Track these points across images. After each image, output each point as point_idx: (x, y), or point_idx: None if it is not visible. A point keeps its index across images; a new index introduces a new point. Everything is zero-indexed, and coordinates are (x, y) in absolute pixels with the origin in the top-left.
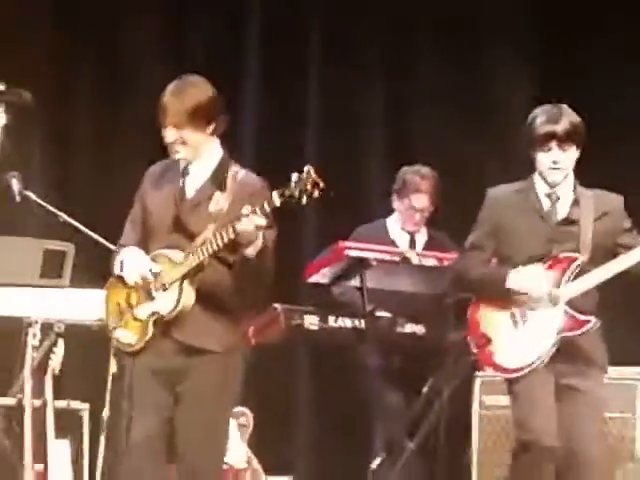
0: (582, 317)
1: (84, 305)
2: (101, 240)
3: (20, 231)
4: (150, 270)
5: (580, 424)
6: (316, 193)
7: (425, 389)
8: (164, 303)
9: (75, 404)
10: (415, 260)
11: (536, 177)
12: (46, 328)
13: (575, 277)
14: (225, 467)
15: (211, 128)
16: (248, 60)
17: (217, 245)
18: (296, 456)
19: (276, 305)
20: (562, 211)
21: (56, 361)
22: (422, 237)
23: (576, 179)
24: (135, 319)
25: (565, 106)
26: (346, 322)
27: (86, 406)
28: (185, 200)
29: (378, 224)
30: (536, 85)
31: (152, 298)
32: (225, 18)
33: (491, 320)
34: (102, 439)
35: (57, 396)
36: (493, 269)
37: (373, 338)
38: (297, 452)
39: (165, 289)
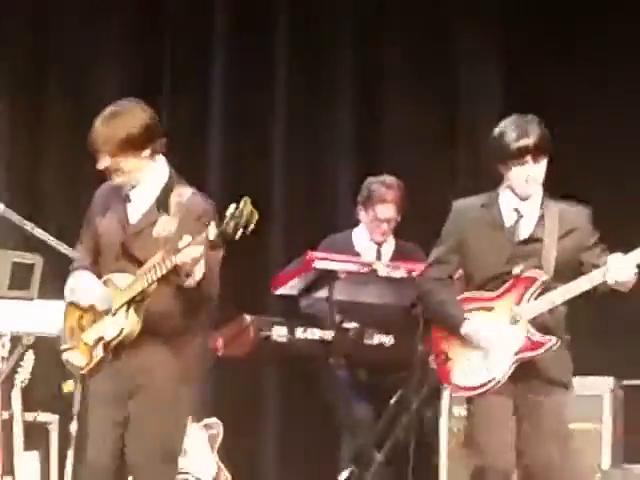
0: (541, 337)
1: (53, 317)
2: (70, 252)
3: None
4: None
5: (544, 440)
6: (251, 225)
7: (393, 400)
8: (109, 328)
9: (44, 416)
10: (383, 271)
11: (502, 190)
12: (15, 340)
13: (538, 296)
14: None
15: (147, 152)
16: (214, 69)
17: (160, 274)
18: (265, 466)
19: (246, 316)
20: (526, 229)
21: (24, 373)
22: (389, 248)
23: (545, 191)
24: (84, 342)
25: (531, 116)
26: (314, 333)
27: (55, 418)
28: (129, 226)
29: (344, 235)
30: (505, 94)
31: (100, 322)
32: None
33: (452, 337)
34: (70, 451)
35: (26, 408)
36: (452, 310)
37: (341, 349)
38: (266, 463)
39: (113, 314)
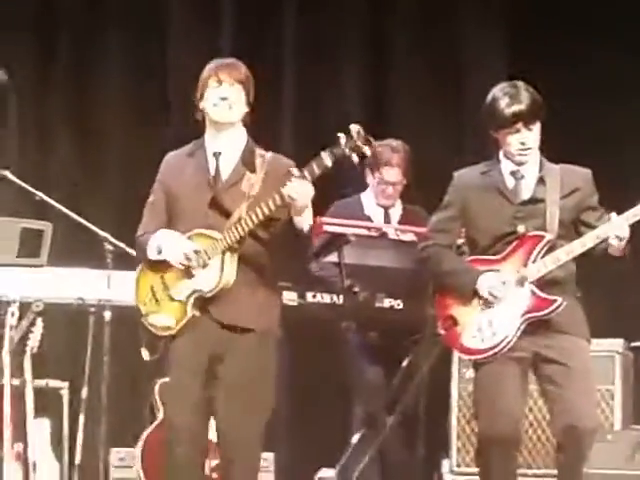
0: (548, 297)
1: (62, 284)
2: (79, 219)
3: None
4: (193, 249)
5: (573, 397)
6: (367, 151)
7: (404, 363)
8: (205, 281)
9: (54, 383)
10: (392, 235)
11: (501, 156)
12: (25, 307)
13: (544, 255)
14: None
15: None
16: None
17: (263, 214)
18: (278, 432)
19: None
20: (527, 190)
21: (34, 340)
22: (396, 211)
23: (542, 154)
24: (172, 300)
25: (522, 83)
26: (324, 298)
27: (65, 385)
28: (220, 181)
29: (353, 200)
30: (507, 60)
31: (191, 277)
32: None
33: (459, 301)
34: (81, 418)
35: (37, 375)
36: (464, 268)
37: (352, 313)
38: (279, 428)
39: (205, 266)
